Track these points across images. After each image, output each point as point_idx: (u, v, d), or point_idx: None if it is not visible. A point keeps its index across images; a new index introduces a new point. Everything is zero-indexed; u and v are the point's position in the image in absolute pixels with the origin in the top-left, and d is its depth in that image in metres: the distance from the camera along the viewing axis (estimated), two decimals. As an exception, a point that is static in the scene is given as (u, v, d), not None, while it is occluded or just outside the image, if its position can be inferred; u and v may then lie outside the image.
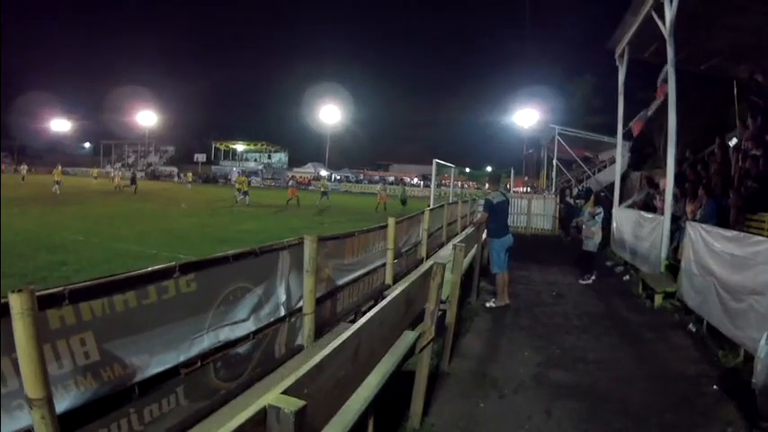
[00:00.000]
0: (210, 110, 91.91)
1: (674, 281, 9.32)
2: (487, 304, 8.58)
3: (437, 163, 19.57)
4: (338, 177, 72.12)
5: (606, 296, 10.26)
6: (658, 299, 9.33)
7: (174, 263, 3.14)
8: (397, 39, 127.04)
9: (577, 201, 15.93)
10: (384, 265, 7.20)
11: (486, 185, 11.62)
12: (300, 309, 4.65)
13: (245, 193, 29.95)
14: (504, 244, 8.51)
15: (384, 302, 3.12)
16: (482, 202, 13.21)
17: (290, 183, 48.29)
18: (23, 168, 47.89)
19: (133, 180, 36.32)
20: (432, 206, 12.59)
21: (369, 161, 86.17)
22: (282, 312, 4.41)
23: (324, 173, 73.56)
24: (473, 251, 8.49)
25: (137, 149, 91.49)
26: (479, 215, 9.55)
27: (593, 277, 11.41)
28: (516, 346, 6.74)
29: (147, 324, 2.91)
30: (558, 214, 21.59)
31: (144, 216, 20.49)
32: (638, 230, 12.77)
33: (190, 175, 51.16)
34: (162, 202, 29.04)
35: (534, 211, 21.67)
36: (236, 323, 3.77)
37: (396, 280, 7.37)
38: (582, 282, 11.24)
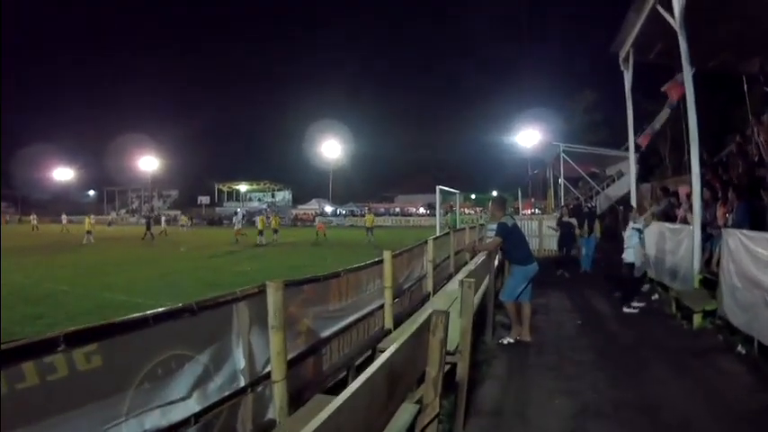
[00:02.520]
0: (212, 152, 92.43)
1: (713, 297, 8.26)
2: (505, 341, 7.44)
3: (441, 189, 18.64)
4: (343, 212, 71.14)
5: (637, 320, 9.10)
6: (697, 319, 8.21)
7: (58, 332, 2.31)
8: (396, 68, 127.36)
9: (571, 218, 14.91)
10: (383, 306, 6.17)
11: (490, 210, 10.83)
12: (269, 374, 3.63)
13: (276, 231, 30.89)
14: (529, 273, 7.37)
15: (364, 378, 2.09)
16: (491, 227, 12.20)
17: (318, 219, 47.63)
18: (33, 218, 47.35)
19: (149, 226, 35.45)
20: (436, 235, 11.58)
21: (373, 194, 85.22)
22: (243, 382, 3.44)
23: (328, 208, 72.84)
24: (485, 283, 7.41)
25: (140, 195, 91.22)
26: (490, 240, 8.35)
27: (640, 304, 9.97)
28: (545, 392, 5.60)
29: (25, 418, 2.10)
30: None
31: (140, 262, 19.86)
32: (662, 243, 11.62)
33: (184, 218, 50.50)
34: (162, 247, 28.44)
35: (546, 232, 20.66)
36: (171, 403, 2.84)
37: (398, 322, 6.35)
38: (627, 310, 9.69)
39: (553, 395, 5.48)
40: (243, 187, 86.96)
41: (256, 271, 16.24)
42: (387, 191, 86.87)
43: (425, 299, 8.38)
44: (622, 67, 15.04)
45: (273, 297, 3.57)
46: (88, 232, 31.77)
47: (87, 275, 15.42)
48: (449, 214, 27.12)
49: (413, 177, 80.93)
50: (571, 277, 13.86)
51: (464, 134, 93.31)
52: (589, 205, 21.41)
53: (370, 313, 5.85)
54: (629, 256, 9.84)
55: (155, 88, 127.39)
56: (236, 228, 32.51)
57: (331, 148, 78.75)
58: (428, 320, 3.04)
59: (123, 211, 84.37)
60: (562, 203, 28.47)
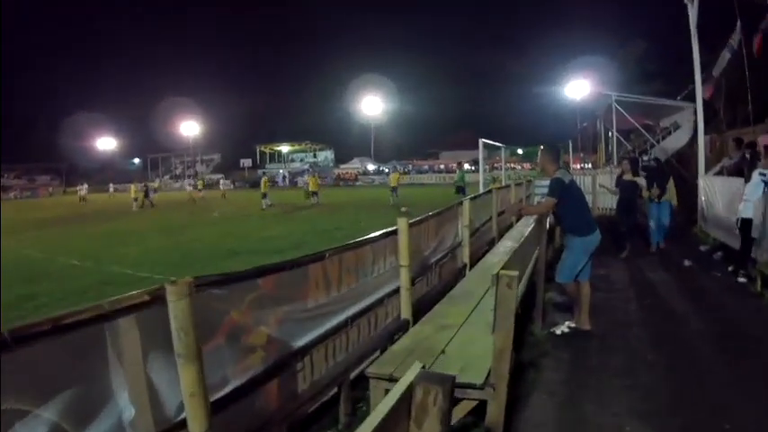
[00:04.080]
0: (253, 114, 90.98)
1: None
2: (558, 331, 5.84)
3: (484, 143, 16.98)
4: (386, 170, 69.48)
5: (717, 298, 7.33)
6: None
7: None
8: (438, 19, 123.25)
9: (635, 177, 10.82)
10: (398, 290, 4.72)
11: (538, 164, 8.92)
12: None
13: (315, 194, 29.12)
14: (590, 245, 5.74)
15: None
16: (541, 183, 10.47)
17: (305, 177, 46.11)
18: (81, 188, 46.84)
19: (146, 194, 34.92)
20: (478, 192, 9.98)
21: (417, 151, 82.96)
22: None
23: (371, 167, 71.46)
24: (534, 257, 5.81)
25: (183, 160, 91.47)
26: (542, 201, 6.44)
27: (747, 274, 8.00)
28: (613, 413, 4.02)
29: None
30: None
31: (166, 229, 18.98)
32: (737, 205, 9.72)
33: (200, 182, 49.38)
34: (196, 212, 27.57)
35: (600, 188, 18.77)
36: None
37: (421, 309, 4.90)
38: (741, 280, 7.87)
39: (624, 419, 3.93)
40: (284, 148, 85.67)
41: (282, 236, 15.20)
42: (431, 147, 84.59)
43: (460, 273, 6.89)
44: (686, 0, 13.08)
45: (177, 309, 2.18)
46: (135, 199, 32.54)
47: (105, 247, 14.77)
48: (461, 172, 24.78)
49: (457, 132, 77.92)
50: (637, 257, 10.22)
51: (510, 87, 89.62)
52: (652, 159, 19.18)
53: (380, 301, 4.41)
54: (746, 210, 7.93)
55: (193, 51, 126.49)
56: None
57: (372, 105, 76.69)
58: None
59: (167, 177, 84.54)
60: (618, 157, 26.46)
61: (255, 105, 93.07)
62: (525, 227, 8.70)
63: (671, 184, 10.74)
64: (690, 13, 13.15)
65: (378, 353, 4.13)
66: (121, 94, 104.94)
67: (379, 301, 4.38)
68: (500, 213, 10.19)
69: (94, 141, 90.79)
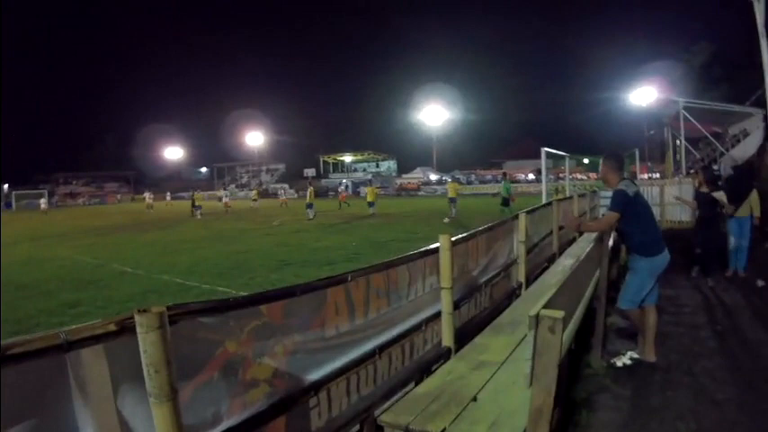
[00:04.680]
0: (317, 124, 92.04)
1: None
2: (619, 362, 5.21)
3: (547, 153, 16.27)
4: (448, 179, 68.76)
5: None
6: None
7: None
8: (500, 27, 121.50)
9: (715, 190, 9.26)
10: (439, 315, 4.23)
11: (602, 173, 7.99)
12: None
13: (372, 204, 28.41)
14: (658, 267, 5.10)
15: None
16: (606, 194, 9.61)
17: (341, 189, 45.69)
18: (149, 196, 48.23)
19: (193, 203, 34.74)
20: (538, 204, 9.35)
21: (480, 160, 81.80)
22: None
23: (433, 177, 70.76)
24: (594, 279, 5.20)
25: (249, 170, 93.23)
26: (604, 216, 5.69)
27: None
28: None
29: None
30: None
31: (221, 239, 18.98)
32: None
33: (255, 192, 49.66)
34: (256, 221, 27.67)
35: (669, 200, 17.66)
36: None
37: (467, 332, 4.41)
38: None
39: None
40: (348, 158, 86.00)
41: (336, 247, 14.86)
42: (494, 157, 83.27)
43: (514, 293, 6.34)
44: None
45: (146, 343, 1.84)
46: (197, 207, 32.87)
47: (158, 254, 14.85)
48: (507, 183, 23.68)
49: (521, 142, 76.67)
50: (708, 276, 8.97)
51: (575, 94, 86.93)
52: (729, 168, 17.81)
53: (417, 327, 3.94)
54: None
55: (261, 64, 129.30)
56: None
57: (435, 114, 75.80)
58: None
59: (233, 186, 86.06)
60: (686, 166, 25.09)
61: (320, 116, 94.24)
62: (588, 243, 8.06)
63: (754, 196, 9.20)
64: (756, 13, 12.37)
65: (412, 385, 3.68)
66: (191, 106, 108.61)
67: (417, 327, 3.91)
68: (561, 227, 9.53)
69: (163, 151, 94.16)
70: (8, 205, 67.83)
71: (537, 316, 2.23)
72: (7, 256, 14.81)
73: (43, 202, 53.01)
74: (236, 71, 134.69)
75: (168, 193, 53.66)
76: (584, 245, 8.07)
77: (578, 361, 4.99)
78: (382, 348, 3.44)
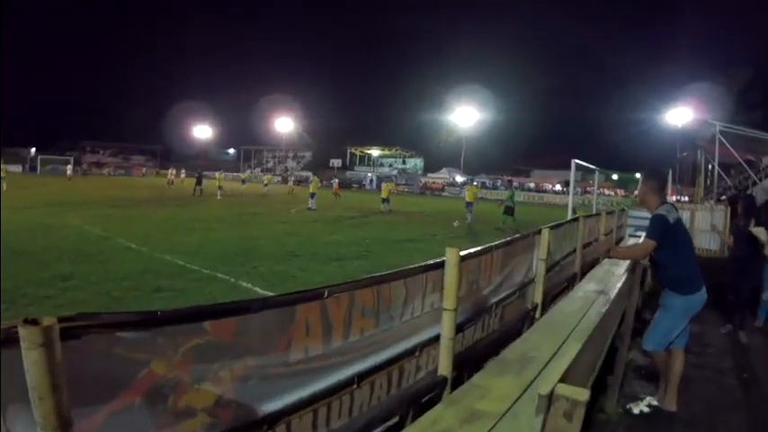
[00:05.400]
0: (348, 115, 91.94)
1: None
2: (636, 409, 4.61)
3: (577, 164, 15.60)
4: (475, 183, 67.99)
5: None
6: None
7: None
8: (537, 34, 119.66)
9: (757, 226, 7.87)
10: (438, 338, 3.65)
11: (638, 193, 7.34)
12: None
13: (387, 201, 27.74)
14: (693, 307, 4.50)
15: None
16: (636, 213, 8.94)
17: (334, 182, 45.42)
18: (171, 172, 48.26)
19: (199, 181, 35.32)
20: (562, 220, 8.73)
21: (507, 166, 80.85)
22: None
23: (459, 178, 70.05)
24: (619, 317, 4.59)
25: (275, 155, 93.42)
26: (640, 242, 4.97)
27: None
28: None
29: None
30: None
31: (235, 222, 18.64)
32: None
33: (267, 179, 49.20)
34: (276, 206, 27.59)
35: (699, 226, 16.84)
36: None
37: (470, 358, 3.87)
38: None
39: None
40: (375, 152, 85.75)
41: (348, 242, 14.41)
42: (522, 164, 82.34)
43: (527, 315, 5.76)
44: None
45: (29, 362, 1.45)
46: (219, 188, 33.01)
47: (168, 232, 14.59)
48: (511, 190, 22.84)
49: (550, 151, 75.43)
50: (746, 338, 7.38)
51: (608, 109, 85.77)
52: (763, 199, 16.95)
53: (410, 352, 3.41)
54: None
55: (296, 51, 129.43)
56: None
57: (466, 116, 74.84)
58: None
59: (258, 169, 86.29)
60: (716, 192, 24.22)
61: (351, 107, 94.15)
62: (613, 265, 7.44)
63: None
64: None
65: (396, 419, 3.16)
66: (224, 86, 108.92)
67: (409, 352, 3.38)
68: (585, 245, 8.90)
69: (192, 128, 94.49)
70: (32, 169, 69.12)
71: (550, 396, 1.63)
72: (16, 221, 14.70)
73: (69, 169, 53.41)
74: (272, 56, 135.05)
75: (183, 171, 53.71)
76: (608, 267, 7.46)
77: (592, 403, 4.43)
78: (363, 376, 2.91)
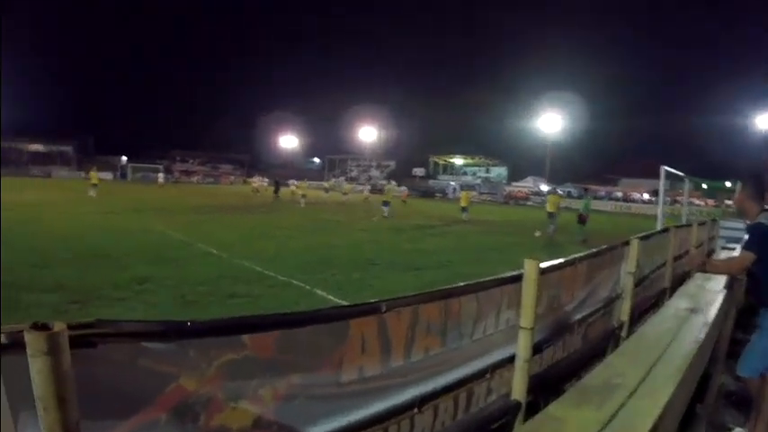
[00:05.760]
0: (431, 124, 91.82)
1: None
2: None
3: (666, 171, 14.70)
4: (560, 192, 65.93)
5: None
6: None
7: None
8: (626, 40, 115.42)
9: None
10: (513, 359, 3.32)
11: (737, 201, 6.65)
12: None
13: (465, 209, 27.26)
14: None
15: None
16: (728, 224, 8.22)
17: (402, 188, 44.64)
18: (256, 181, 50.55)
19: (276, 188, 37.32)
20: (651, 230, 8.12)
21: (594, 175, 77.78)
22: None
23: (544, 187, 68.25)
24: (714, 338, 4.09)
25: (359, 164, 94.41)
26: (737, 255, 4.44)
27: None
28: None
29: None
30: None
31: (316, 230, 18.73)
32: None
33: (346, 186, 49.99)
34: (356, 214, 27.59)
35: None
36: None
37: (550, 379, 3.53)
38: None
39: None
40: (458, 161, 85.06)
41: (428, 251, 14.07)
42: (610, 172, 79.28)
43: (612, 334, 5.30)
44: None
45: (35, 369, 1.35)
46: (303, 196, 33.68)
47: (249, 239, 14.78)
48: (587, 198, 21.59)
49: (638, 159, 72.35)
50: None
51: (698, 115, 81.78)
52: None
53: (481, 374, 3.10)
54: None
55: (381, 63, 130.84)
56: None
57: (551, 123, 72.24)
58: None
59: (342, 178, 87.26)
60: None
61: (435, 116, 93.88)
62: (706, 280, 6.85)
63: None
64: None
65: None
66: (310, 97, 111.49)
67: (480, 374, 3.08)
68: (677, 258, 8.24)
69: (279, 138, 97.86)
70: (123, 176, 73.84)
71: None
72: (103, 224, 15.41)
73: (161, 177, 56.33)
74: (358, 66, 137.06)
75: (265, 179, 55.52)
76: (701, 282, 6.86)
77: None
78: (426, 399, 2.63)
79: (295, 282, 9.07)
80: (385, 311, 2.31)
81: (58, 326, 1.31)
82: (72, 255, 10.43)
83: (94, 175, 32.76)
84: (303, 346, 2.05)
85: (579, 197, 60.20)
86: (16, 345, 1.31)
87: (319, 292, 8.43)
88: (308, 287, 8.71)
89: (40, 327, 1.29)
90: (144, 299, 7.28)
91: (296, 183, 45.63)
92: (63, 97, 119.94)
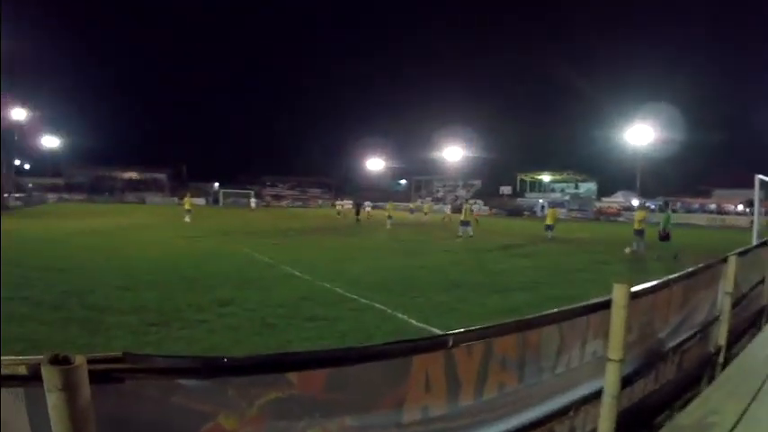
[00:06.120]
0: (517, 141, 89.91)
1: None
2: None
3: (761, 180, 13.67)
4: (651, 206, 62.75)
5: None
6: None
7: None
8: (717, 45, 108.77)
9: None
10: (599, 394, 2.98)
11: None
12: None
13: (551, 227, 26.31)
14: None
15: None
16: None
17: (476, 207, 43.65)
18: (340, 203, 52.22)
19: (357, 210, 38.05)
20: (747, 245, 7.46)
21: (687, 187, 73.72)
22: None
23: (635, 202, 65.42)
24: None
25: (445, 184, 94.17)
26: None
27: None
28: None
29: None
30: None
31: (401, 251, 18.56)
32: None
33: (427, 207, 50.10)
34: (441, 234, 27.45)
35: None
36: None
37: (633, 417, 3.19)
38: None
39: None
40: (545, 177, 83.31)
41: (514, 272, 13.57)
42: (702, 183, 74.90)
43: (709, 362, 4.81)
44: None
45: (52, 404, 1.34)
46: (389, 217, 33.90)
47: (332, 261, 14.78)
48: (667, 213, 19.95)
49: (732, 168, 67.87)
50: None
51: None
52: None
53: (563, 411, 2.81)
54: None
55: (463, 82, 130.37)
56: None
57: (641, 135, 68.84)
58: None
59: (429, 199, 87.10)
60: None
61: (520, 133, 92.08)
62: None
63: None
64: None
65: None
66: (397, 120, 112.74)
67: (562, 412, 2.78)
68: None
69: (366, 161, 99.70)
70: (215, 201, 78.95)
71: None
72: (191, 248, 15.99)
73: (253, 202, 58.64)
74: (442, 87, 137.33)
75: (347, 201, 56.88)
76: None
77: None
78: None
79: (377, 305, 8.90)
80: (452, 346, 2.08)
81: (79, 359, 1.24)
82: (158, 277, 10.70)
83: (189, 201, 33.99)
84: (358, 384, 1.88)
85: (673, 211, 57.37)
86: (36, 378, 1.23)
87: (400, 315, 8.22)
88: (389, 310, 8.51)
89: (60, 360, 1.23)
90: (224, 321, 7.29)
91: (369, 204, 46.89)
92: (158, 126, 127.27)
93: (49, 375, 1.20)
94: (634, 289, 3.05)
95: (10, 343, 5.80)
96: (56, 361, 1.22)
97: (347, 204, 49.46)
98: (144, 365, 1.39)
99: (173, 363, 1.47)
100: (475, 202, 56.73)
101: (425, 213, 45.55)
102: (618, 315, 2.89)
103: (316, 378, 1.73)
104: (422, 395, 2.04)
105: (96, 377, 1.29)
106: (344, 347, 1.83)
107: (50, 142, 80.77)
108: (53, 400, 1.21)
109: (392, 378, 1.96)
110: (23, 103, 63.74)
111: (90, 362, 1.27)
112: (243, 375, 1.58)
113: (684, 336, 4.33)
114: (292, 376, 1.66)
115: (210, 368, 1.50)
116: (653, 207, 43.73)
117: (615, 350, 2.87)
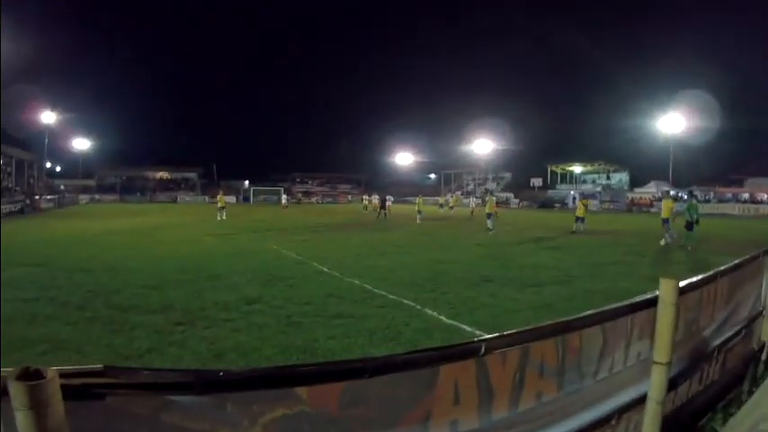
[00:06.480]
0: (547, 133, 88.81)
1: None
2: None
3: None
4: (684, 196, 61.19)
5: None
6: None
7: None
8: (745, 31, 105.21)
9: None
10: (644, 400, 2.74)
11: None
12: None
13: (581, 220, 25.47)
14: None
15: None
16: None
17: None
18: (366, 198, 53.37)
19: (383, 205, 37.35)
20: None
21: (721, 176, 71.63)
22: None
23: (671, 192, 64.02)
24: None
25: (475, 178, 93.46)
26: None
27: None
28: None
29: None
30: None
31: (431, 245, 18.43)
32: None
33: (453, 200, 50.39)
34: (471, 228, 27.32)
35: None
36: None
37: (677, 422, 2.95)
38: None
39: None
40: (577, 169, 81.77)
41: (547, 266, 13.20)
42: (736, 173, 72.83)
43: (752, 358, 4.50)
44: None
45: (19, 424, 1.20)
46: (419, 212, 34.04)
47: (361, 256, 14.77)
48: (691, 202, 19.21)
49: (766, 157, 66.08)
50: None
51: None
52: None
53: (606, 419, 2.57)
54: None
55: (492, 74, 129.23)
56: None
57: (674, 123, 66.76)
58: None
59: (458, 192, 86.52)
60: None
61: (550, 124, 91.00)
62: None
63: None
64: None
65: None
66: (426, 114, 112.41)
67: (604, 420, 2.54)
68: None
69: (395, 156, 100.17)
70: (246, 199, 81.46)
71: None
72: (220, 245, 16.30)
73: (284, 198, 59.45)
74: (471, 80, 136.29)
75: (375, 196, 57.48)
76: None
77: None
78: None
79: (405, 301, 8.71)
80: (484, 354, 1.86)
81: (50, 373, 1.10)
82: (186, 276, 10.69)
83: (222, 199, 34.35)
84: (378, 398, 1.67)
85: (706, 201, 56.03)
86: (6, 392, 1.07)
87: (430, 311, 8.01)
88: (418, 306, 8.31)
89: (31, 374, 1.09)
90: (250, 320, 7.19)
91: (391, 199, 46.75)
92: (188, 126, 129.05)
93: (17, 392, 1.06)
94: (682, 284, 2.80)
95: (32, 344, 5.77)
96: (26, 375, 1.06)
97: (375, 200, 49.36)
98: (126, 380, 1.22)
99: (159, 377, 1.29)
100: (492, 194, 56.35)
101: (451, 207, 45.29)
102: (665, 313, 2.65)
103: (329, 392, 1.53)
104: (450, 408, 1.84)
105: (72, 393, 1.14)
106: (364, 358, 1.62)
107: (82, 144, 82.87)
108: (20, 419, 1.07)
109: (417, 390, 1.75)
110: (54, 106, 65.33)
111: (66, 376, 1.12)
112: (242, 390, 1.39)
113: (729, 333, 4.05)
114: (302, 391, 1.47)
115: (203, 383, 1.32)
116: (684, 196, 42.64)
117: (662, 352, 2.64)
